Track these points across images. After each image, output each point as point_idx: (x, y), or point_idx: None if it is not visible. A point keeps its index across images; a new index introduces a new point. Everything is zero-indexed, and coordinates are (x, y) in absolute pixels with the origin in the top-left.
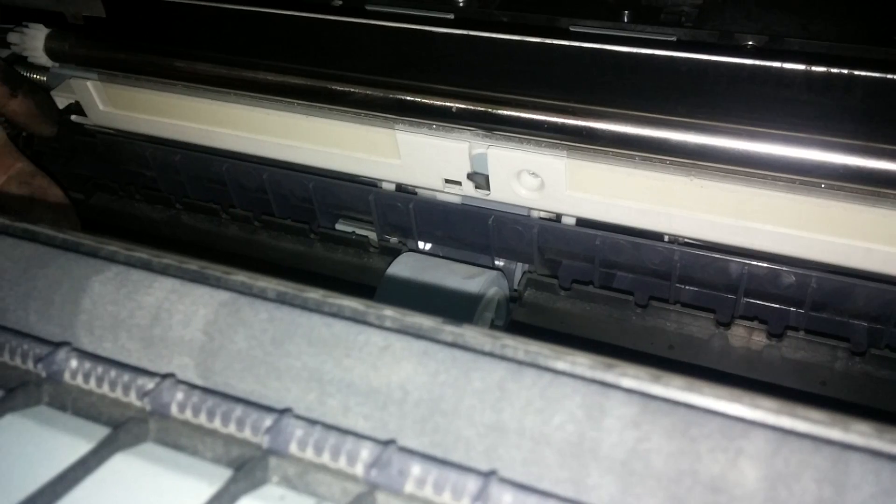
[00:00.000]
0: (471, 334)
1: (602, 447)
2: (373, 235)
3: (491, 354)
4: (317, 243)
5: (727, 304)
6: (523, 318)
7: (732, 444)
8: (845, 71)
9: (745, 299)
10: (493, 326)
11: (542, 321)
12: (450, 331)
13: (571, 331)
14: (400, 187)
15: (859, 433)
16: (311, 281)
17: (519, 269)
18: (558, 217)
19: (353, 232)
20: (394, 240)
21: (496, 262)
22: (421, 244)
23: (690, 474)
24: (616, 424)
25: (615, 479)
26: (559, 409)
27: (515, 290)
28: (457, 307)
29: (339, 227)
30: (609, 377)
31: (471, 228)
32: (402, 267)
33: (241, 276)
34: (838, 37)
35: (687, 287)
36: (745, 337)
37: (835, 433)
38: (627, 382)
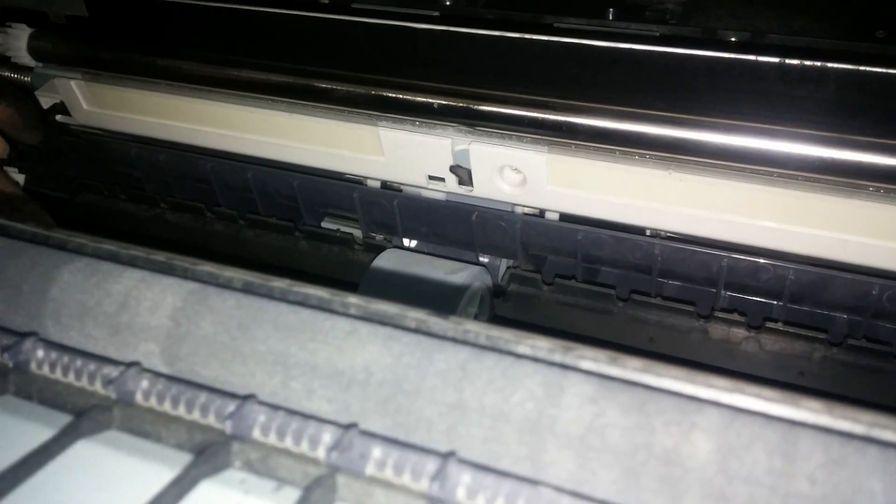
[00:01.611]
0: (434, 320)
1: (560, 423)
2: (358, 233)
3: (454, 339)
4: (302, 241)
5: (707, 297)
6: (507, 313)
7: (686, 419)
8: (819, 63)
9: (725, 292)
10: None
11: (525, 315)
12: (413, 317)
13: (554, 325)
14: (384, 184)
15: (809, 409)
16: (296, 278)
17: (503, 264)
18: (541, 212)
19: (338, 229)
20: (379, 237)
21: (481, 258)
22: (406, 241)
23: (645, 448)
24: (574, 401)
25: (573, 453)
26: (519, 387)
27: (499, 286)
28: (438, 302)
29: (324, 224)
30: (568, 359)
31: (455, 224)
32: (385, 263)
33: (208, 267)
34: (821, 33)
35: (668, 281)
36: (725, 329)
37: (785, 410)
38: (586, 364)
